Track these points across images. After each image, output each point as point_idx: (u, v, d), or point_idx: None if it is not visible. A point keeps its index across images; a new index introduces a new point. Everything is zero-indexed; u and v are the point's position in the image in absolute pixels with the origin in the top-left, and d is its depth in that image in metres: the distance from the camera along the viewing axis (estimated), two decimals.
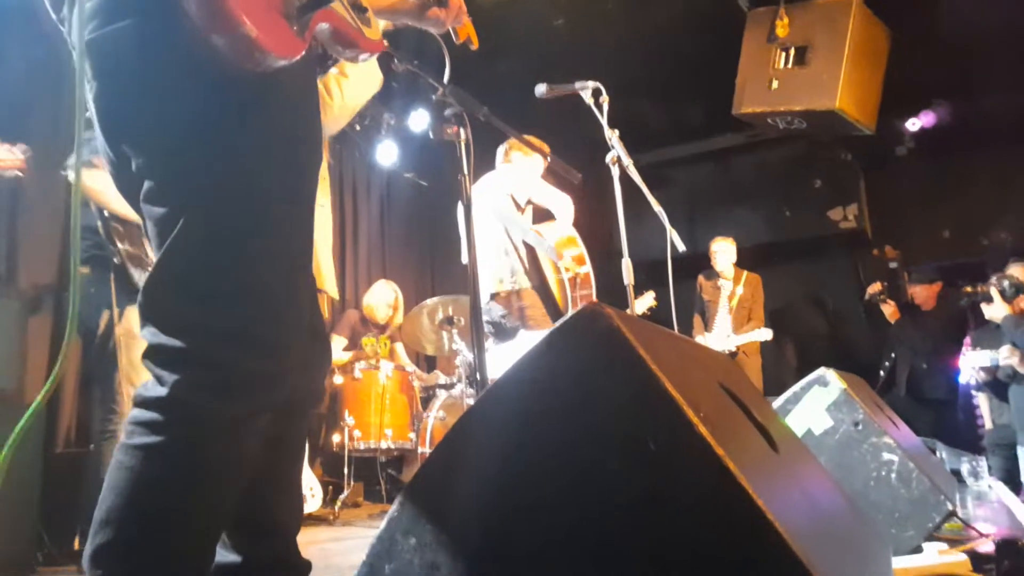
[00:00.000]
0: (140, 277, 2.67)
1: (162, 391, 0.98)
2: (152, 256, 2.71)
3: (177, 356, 0.99)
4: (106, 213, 2.64)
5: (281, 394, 1.07)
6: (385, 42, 1.26)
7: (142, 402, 1.00)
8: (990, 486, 3.45)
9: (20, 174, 2.51)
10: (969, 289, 4.38)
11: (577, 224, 3.54)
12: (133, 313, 2.71)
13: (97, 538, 0.96)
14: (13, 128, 3.35)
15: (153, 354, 1.01)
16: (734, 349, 5.54)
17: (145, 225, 1.06)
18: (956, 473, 3.51)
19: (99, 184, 2.56)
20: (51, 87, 3.41)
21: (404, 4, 1.61)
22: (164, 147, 1.02)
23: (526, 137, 3.48)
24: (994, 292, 4.15)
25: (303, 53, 0.98)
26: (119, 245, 2.64)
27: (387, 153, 5.87)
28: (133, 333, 2.69)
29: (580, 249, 3.49)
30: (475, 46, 1.89)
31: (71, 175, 2.62)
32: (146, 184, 1.03)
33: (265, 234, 1.04)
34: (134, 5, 0.97)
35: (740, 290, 5.73)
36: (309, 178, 1.15)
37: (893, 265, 6.59)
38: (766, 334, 5.48)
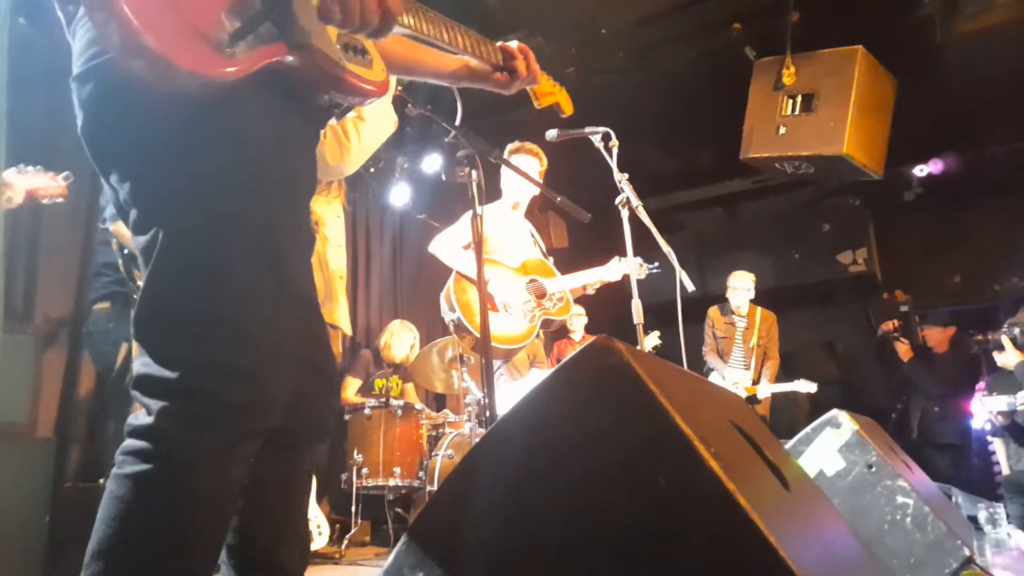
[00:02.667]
0: None
1: (148, 420, 0.99)
2: None
3: (159, 386, 1.00)
4: (126, 251, 2.70)
5: (264, 423, 1.06)
6: (396, 85, 1.27)
7: (131, 431, 1.01)
8: (1009, 534, 3.37)
9: (62, 200, 2.60)
10: (980, 337, 4.37)
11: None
12: None
13: (89, 570, 0.97)
14: (33, 164, 3.44)
15: (139, 384, 1.02)
16: (769, 397, 5.39)
17: None
18: (973, 519, 3.44)
19: (127, 230, 2.66)
20: (71, 124, 3.50)
21: (464, 72, 1.59)
22: (136, 176, 1.04)
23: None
24: (1005, 340, 4.14)
25: (229, 71, 0.97)
26: (138, 282, 2.69)
27: (400, 194, 5.96)
28: None
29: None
30: (566, 113, 1.80)
31: (111, 227, 2.72)
32: (132, 214, 1.06)
33: (237, 262, 1.04)
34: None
35: (757, 327, 5.56)
36: (286, 206, 1.13)
37: (904, 309, 6.58)
38: (810, 386, 5.24)
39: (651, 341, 5.41)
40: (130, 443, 1.01)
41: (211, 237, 1.02)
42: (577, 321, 6.05)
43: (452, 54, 1.53)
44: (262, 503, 1.20)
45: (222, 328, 1.02)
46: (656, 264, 3.21)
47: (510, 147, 3.49)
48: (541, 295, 3.36)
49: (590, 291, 3.53)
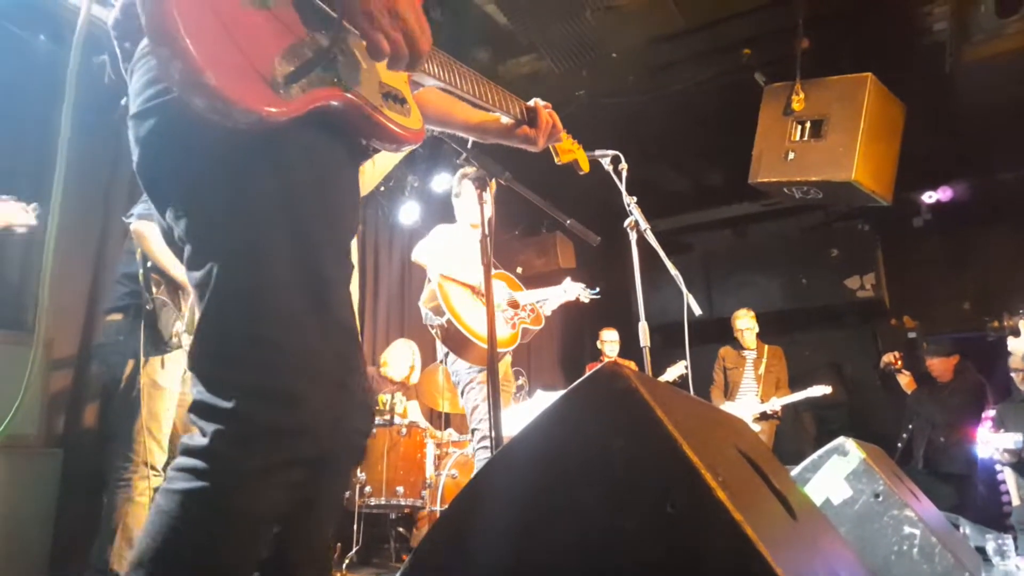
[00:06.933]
0: (168, 327, 2.72)
1: (203, 441, 1.03)
2: (184, 309, 2.80)
3: (213, 412, 1.04)
4: (149, 264, 2.73)
5: (310, 447, 1.09)
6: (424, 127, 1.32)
7: (186, 450, 1.05)
8: (1018, 566, 3.33)
9: (23, 230, 2.62)
10: (996, 324, 4.33)
11: (596, 287, 3.60)
12: (157, 363, 2.76)
13: None
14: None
15: (195, 409, 1.06)
16: (778, 409, 5.53)
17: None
18: (981, 551, 3.39)
19: (150, 233, 2.72)
20: (92, 140, 3.55)
21: (493, 126, 1.68)
22: (191, 212, 1.08)
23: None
24: (1022, 325, 4.09)
25: (281, 111, 1.01)
26: (155, 293, 2.72)
27: (410, 213, 5.99)
28: (156, 383, 2.73)
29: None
30: (583, 170, 1.92)
31: (133, 223, 2.75)
32: (187, 249, 1.10)
33: (280, 291, 1.07)
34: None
35: (766, 357, 5.77)
36: (329, 237, 1.17)
37: (912, 335, 6.54)
38: (825, 389, 5.42)
39: (676, 371, 5.47)
40: (183, 460, 1.04)
41: (256, 267, 1.06)
42: (610, 348, 6.13)
43: (481, 108, 1.61)
44: (296, 521, 1.22)
45: (267, 354, 1.05)
46: (596, 289, 3.46)
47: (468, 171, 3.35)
48: (515, 306, 3.44)
49: (546, 312, 3.55)
